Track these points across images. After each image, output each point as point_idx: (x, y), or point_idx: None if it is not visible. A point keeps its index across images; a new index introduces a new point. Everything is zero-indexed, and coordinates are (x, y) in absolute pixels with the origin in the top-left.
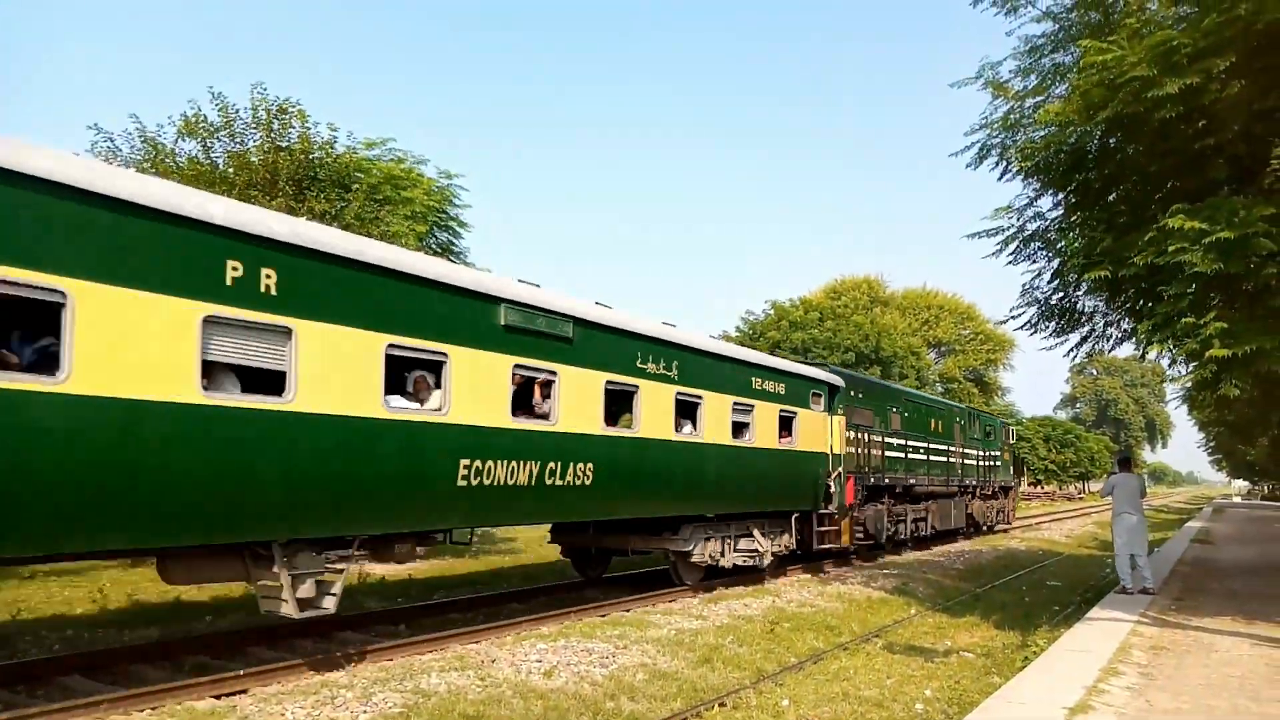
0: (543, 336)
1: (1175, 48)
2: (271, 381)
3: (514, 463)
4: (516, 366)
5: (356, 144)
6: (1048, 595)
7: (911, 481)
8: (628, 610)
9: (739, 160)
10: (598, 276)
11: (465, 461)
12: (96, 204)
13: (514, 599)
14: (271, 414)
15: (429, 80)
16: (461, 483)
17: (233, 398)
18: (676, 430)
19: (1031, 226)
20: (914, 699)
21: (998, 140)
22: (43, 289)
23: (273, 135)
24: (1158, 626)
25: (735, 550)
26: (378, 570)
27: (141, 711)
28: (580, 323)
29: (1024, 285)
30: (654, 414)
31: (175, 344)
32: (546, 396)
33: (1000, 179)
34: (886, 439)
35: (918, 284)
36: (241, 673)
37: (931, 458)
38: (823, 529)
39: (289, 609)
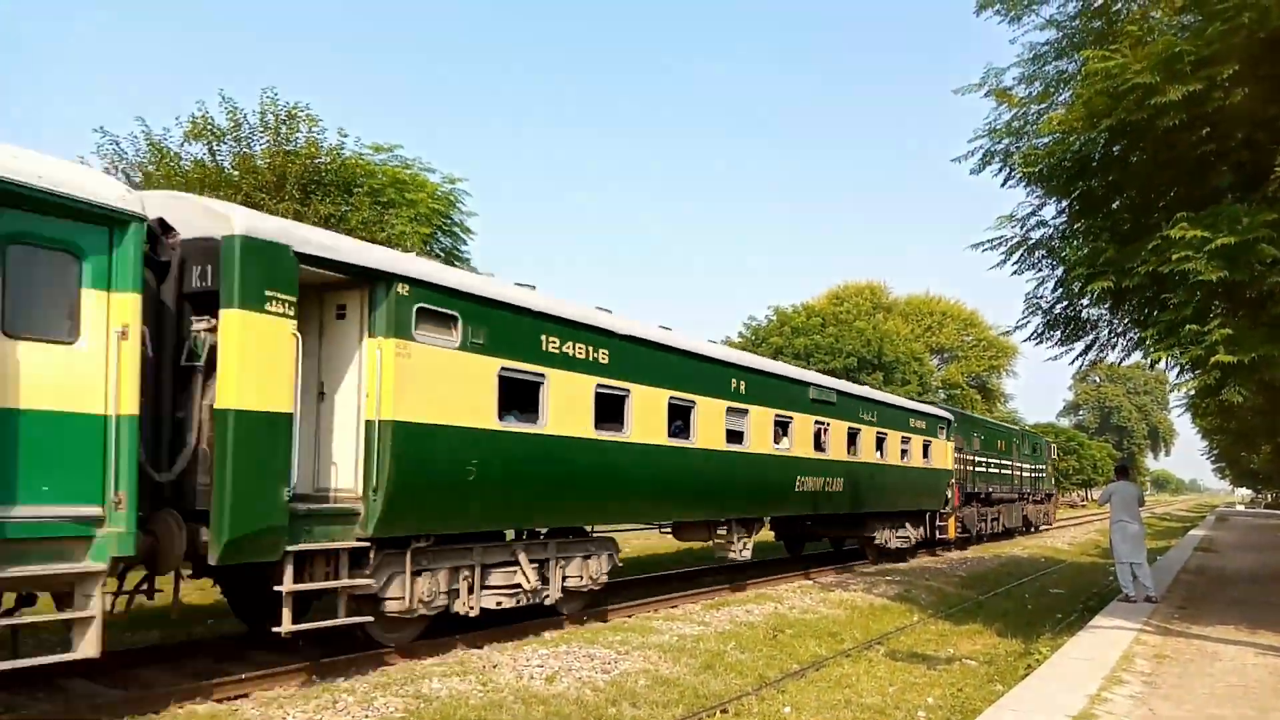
0: (824, 404)
1: (1178, 55)
2: (735, 437)
3: (815, 478)
4: (816, 421)
5: (364, 148)
6: (1050, 603)
7: (990, 490)
8: (629, 616)
9: (742, 162)
10: (600, 278)
11: (799, 478)
12: (707, 362)
13: None
14: (741, 454)
15: (428, 77)
16: (797, 489)
17: (729, 446)
18: (875, 454)
19: (1035, 235)
20: (916, 706)
21: (1001, 146)
22: (688, 401)
23: (279, 139)
24: (1161, 635)
25: (896, 537)
26: None
27: (145, 715)
28: (839, 393)
29: (1028, 295)
30: (867, 446)
31: (720, 422)
32: (825, 438)
33: (1003, 185)
34: (974, 457)
35: (920, 290)
36: (243, 676)
37: (1000, 471)
38: (939, 524)
39: (735, 555)
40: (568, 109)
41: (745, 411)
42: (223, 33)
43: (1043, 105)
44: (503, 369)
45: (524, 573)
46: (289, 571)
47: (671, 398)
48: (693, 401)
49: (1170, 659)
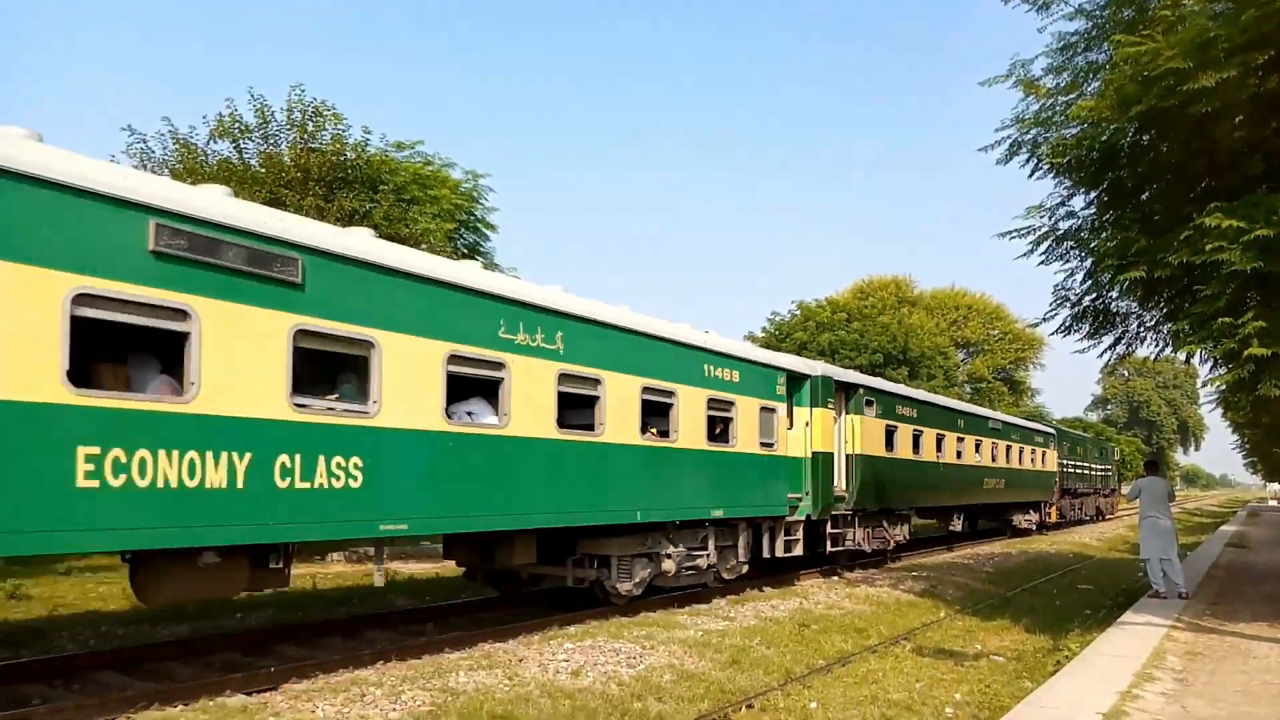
0: (996, 430)
1: (1212, 40)
2: (959, 454)
3: (991, 479)
4: (992, 442)
5: (387, 146)
6: (1079, 599)
7: (1076, 486)
8: (654, 611)
9: (763, 159)
10: (623, 276)
11: (985, 479)
12: (949, 410)
13: (541, 598)
14: (965, 465)
15: (453, 80)
16: (984, 487)
17: (957, 460)
18: (1017, 462)
19: (1064, 226)
20: (944, 703)
21: (1029, 137)
22: (942, 433)
23: (306, 136)
24: (1193, 631)
25: (1025, 519)
26: (405, 569)
27: (175, 707)
28: (1003, 422)
29: (1056, 286)
30: (1014, 456)
31: (953, 445)
32: (995, 452)
33: (1031, 176)
34: (1065, 462)
35: (945, 284)
36: (272, 670)
37: (1081, 471)
38: (1046, 512)
39: (954, 528)
40: (587, 103)
41: (964, 439)
42: (229, 34)
43: (1071, 96)
44: (886, 425)
45: (886, 530)
46: (828, 523)
47: (937, 433)
48: (943, 434)
49: (1203, 656)
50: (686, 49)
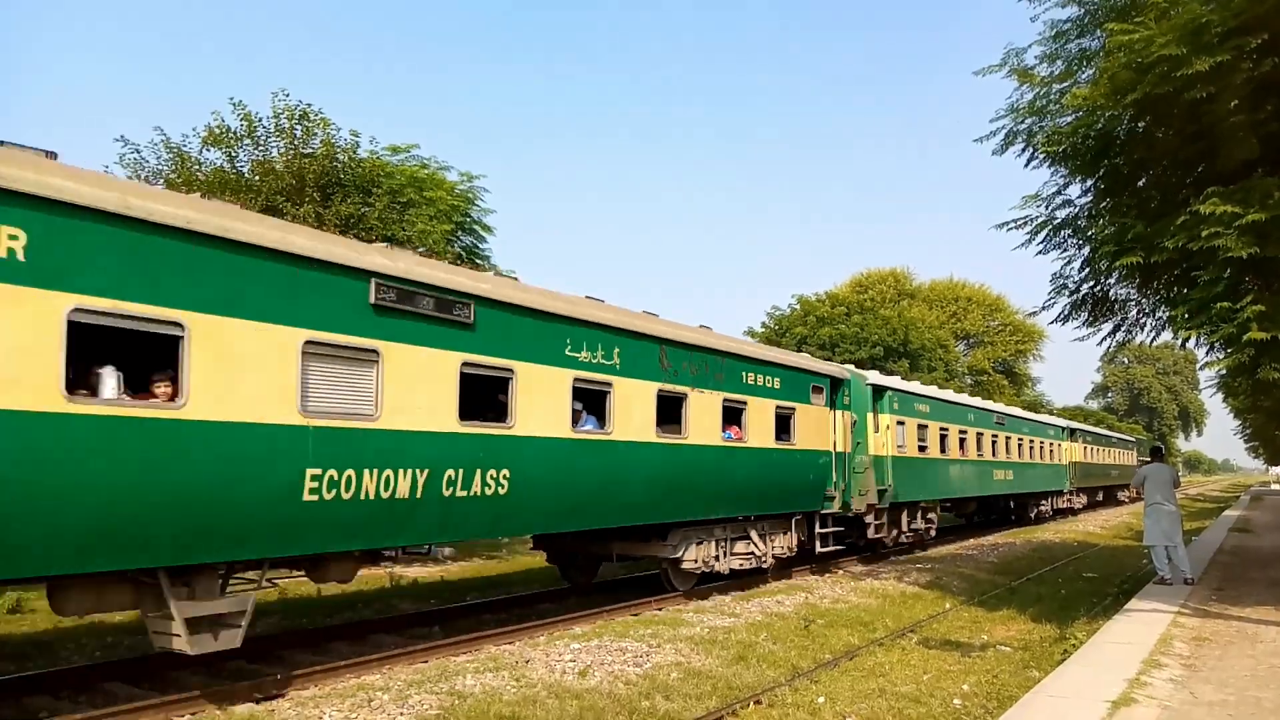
0: (1097, 438)
1: (1205, 26)
2: (1097, 456)
3: (1101, 472)
4: (1097, 446)
5: (381, 149)
6: (1084, 587)
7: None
8: (660, 609)
9: (763, 154)
10: (623, 272)
11: (1105, 471)
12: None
13: (546, 599)
14: (1097, 464)
15: (450, 74)
16: (1101, 475)
17: (1091, 460)
18: (1120, 460)
19: (1061, 214)
20: (951, 694)
21: (1024, 126)
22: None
23: (296, 142)
24: (1199, 617)
25: (1121, 495)
26: (410, 572)
27: (182, 717)
28: (1104, 435)
29: (1054, 275)
30: (1118, 456)
31: (1088, 454)
32: (1103, 452)
33: (1027, 166)
34: (1139, 458)
35: (944, 275)
36: (278, 676)
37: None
38: (1130, 491)
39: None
40: (587, 101)
41: (1103, 449)
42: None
43: (1065, 84)
44: (1085, 446)
45: (1082, 498)
46: (1066, 494)
47: (1095, 447)
48: (1098, 448)
49: (1209, 641)
50: (678, 38)
